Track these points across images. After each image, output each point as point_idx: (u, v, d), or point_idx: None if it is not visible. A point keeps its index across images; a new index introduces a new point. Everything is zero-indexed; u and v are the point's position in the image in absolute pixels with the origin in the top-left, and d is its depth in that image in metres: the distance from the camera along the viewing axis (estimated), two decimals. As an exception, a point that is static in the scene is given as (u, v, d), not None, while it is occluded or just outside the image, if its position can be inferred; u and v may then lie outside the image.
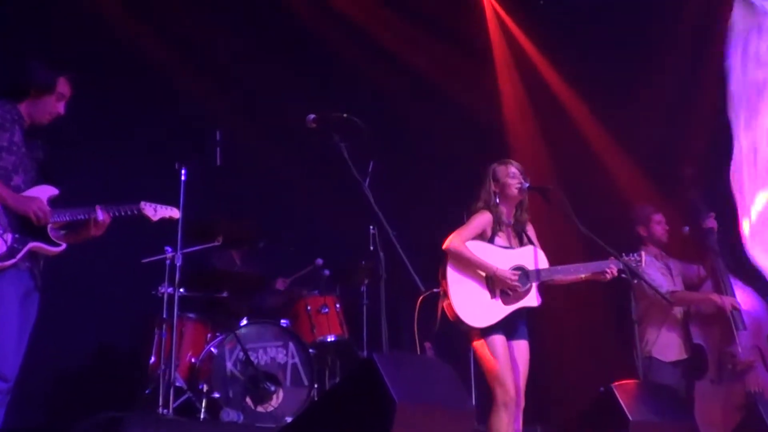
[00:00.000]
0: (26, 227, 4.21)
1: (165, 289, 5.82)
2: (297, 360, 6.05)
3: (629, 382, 5.04)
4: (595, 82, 7.42)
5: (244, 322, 6.09)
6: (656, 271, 6.01)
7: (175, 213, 4.76)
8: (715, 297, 5.92)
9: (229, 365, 5.89)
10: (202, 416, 5.71)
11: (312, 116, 4.49)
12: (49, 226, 4.28)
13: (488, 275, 4.91)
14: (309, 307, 6.47)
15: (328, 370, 6.53)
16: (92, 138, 6.46)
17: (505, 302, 4.91)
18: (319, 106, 4.62)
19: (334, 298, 6.62)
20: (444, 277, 4.93)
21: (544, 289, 5.07)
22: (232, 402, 5.79)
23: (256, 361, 5.91)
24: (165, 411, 5.42)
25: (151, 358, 5.97)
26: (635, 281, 5.27)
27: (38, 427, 6.04)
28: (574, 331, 7.17)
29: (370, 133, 4.47)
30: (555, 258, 5.11)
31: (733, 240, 6.28)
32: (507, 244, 5.05)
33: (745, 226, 6.32)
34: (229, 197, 7.00)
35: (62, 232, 4.39)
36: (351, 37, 7.75)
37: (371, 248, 6.20)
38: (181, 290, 5.83)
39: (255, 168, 7.38)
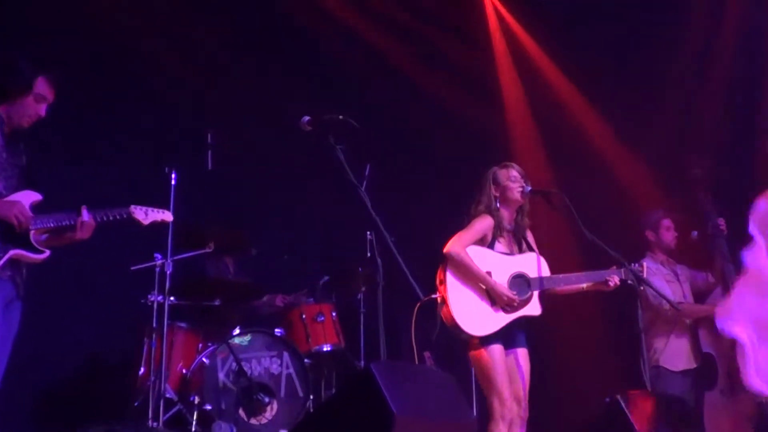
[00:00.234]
0: (7, 234, 4.08)
1: (155, 298, 5.75)
2: (292, 370, 5.98)
3: (636, 392, 5.00)
4: (600, 83, 7.38)
5: (237, 331, 6.02)
6: (661, 280, 5.99)
7: (167, 216, 4.65)
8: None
9: (221, 376, 5.81)
10: (193, 429, 5.65)
11: (306, 118, 4.39)
12: (32, 232, 4.14)
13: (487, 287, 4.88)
14: (304, 316, 6.40)
15: (324, 380, 6.50)
16: (77, 141, 6.40)
17: (506, 311, 4.89)
18: (315, 108, 4.54)
19: (329, 306, 6.56)
20: (443, 282, 4.89)
21: (548, 298, 5.04)
22: (225, 414, 5.71)
23: (249, 372, 5.83)
24: (155, 424, 5.36)
25: (140, 369, 5.87)
26: (641, 287, 5.22)
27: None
28: (579, 340, 7.14)
29: (366, 134, 4.38)
30: (553, 267, 5.09)
31: (742, 245, 6.17)
32: (507, 251, 5.04)
33: None
34: (220, 202, 6.94)
35: (45, 236, 4.25)
36: (348, 39, 7.73)
37: (368, 254, 6.16)
38: (172, 298, 5.76)
39: (248, 171, 7.29)
